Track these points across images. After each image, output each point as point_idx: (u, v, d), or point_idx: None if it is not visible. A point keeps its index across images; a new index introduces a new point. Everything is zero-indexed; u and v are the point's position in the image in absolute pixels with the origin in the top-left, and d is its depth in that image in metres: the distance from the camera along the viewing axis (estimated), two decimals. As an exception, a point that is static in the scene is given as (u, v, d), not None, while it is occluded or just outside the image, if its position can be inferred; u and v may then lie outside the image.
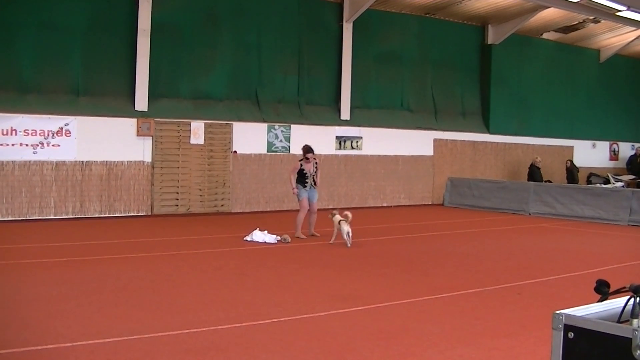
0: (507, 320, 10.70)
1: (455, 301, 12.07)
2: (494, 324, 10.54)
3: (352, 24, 28.29)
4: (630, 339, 3.38)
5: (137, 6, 23.50)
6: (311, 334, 9.57)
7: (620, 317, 3.69)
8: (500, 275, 14.73)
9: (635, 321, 3.48)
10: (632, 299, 3.60)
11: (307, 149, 19.76)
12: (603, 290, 3.98)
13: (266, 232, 18.67)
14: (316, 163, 19.79)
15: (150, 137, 23.77)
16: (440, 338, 9.57)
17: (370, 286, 13.21)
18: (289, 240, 18.42)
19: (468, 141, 32.80)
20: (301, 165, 19.53)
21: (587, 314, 3.74)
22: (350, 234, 17.98)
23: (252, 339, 9.24)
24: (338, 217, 18.52)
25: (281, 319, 10.26)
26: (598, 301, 3.96)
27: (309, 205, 19.70)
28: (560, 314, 3.65)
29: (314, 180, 19.68)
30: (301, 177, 19.52)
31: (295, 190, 19.55)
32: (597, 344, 3.49)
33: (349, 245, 17.90)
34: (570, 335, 3.59)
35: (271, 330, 9.73)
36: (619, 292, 3.85)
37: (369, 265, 15.62)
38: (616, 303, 3.85)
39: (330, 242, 18.42)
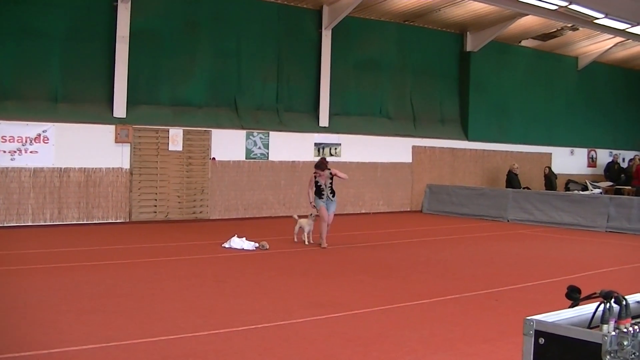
0: (485, 327, 10.73)
1: (433, 307, 12.11)
2: (472, 330, 10.57)
3: (331, 31, 28.33)
4: (600, 344, 3.41)
5: (116, 13, 23.44)
6: (289, 341, 9.58)
7: (591, 323, 3.72)
8: (479, 281, 14.77)
9: (605, 327, 3.52)
10: (602, 305, 3.64)
11: (317, 164, 19.57)
12: (574, 296, 4.02)
13: (244, 238, 18.64)
14: (331, 174, 19.38)
15: (129, 144, 23.71)
16: (419, 344, 9.59)
17: (348, 293, 13.22)
18: (267, 246, 18.39)
19: (447, 148, 32.87)
20: (315, 177, 19.33)
21: (558, 320, 3.78)
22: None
23: (230, 346, 9.24)
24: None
25: (259, 326, 10.26)
26: (569, 307, 4.00)
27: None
28: (531, 320, 3.69)
29: (331, 191, 19.37)
30: (318, 190, 19.34)
31: (313, 203, 19.37)
32: (568, 349, 3.52)
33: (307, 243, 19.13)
34: (541, 341, 3.63)
35: (249, 337, 9.73)
36: (589, 298, 3.88)
37: (347, 272, 15.64)
38: (587, 309, 3.89)
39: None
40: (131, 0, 23.45)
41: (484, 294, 13.43)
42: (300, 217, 20.01)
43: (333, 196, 19.33)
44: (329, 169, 19.40)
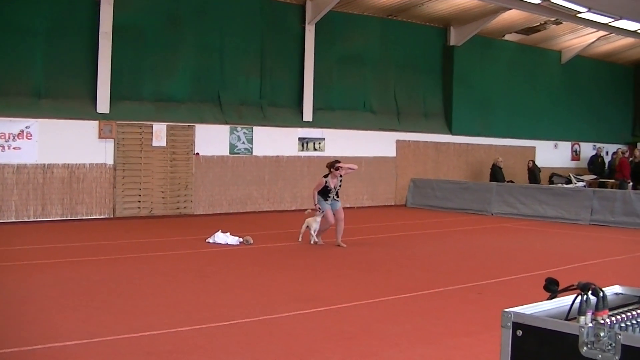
0: (468, 320, 10.75)
1: (417, 301, 12.12)
2: (455, 323, 10.59)
3: (314, 26, 28.32)
4: (577, 335, 3.43)
5: (99, 8, 23.38)
6: (273, 336, 9.58)
7: (569, 315, 3.74)
8: (462, 275, 14.79)
9: (582, 318, 3.54)
10: (580, 297, 3.66)
11: (332, 164, 19.03)
12: (552, 289, 4.04)
13: (228, 234, 18.61)
14: (341, 176, 18.98)
15: (112, 140, 23.67)
16: (402, 338, 9.60)
17: (332, 287, 13.23)
18: (251, 241, 18.38)
19: (431, 142, 32.91)
20: (326, 182, 18.75)
21: (536, 312, 3.79)
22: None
23: (214, 341, 9.23)
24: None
25: (243, 321, 10.26)
26: (547, 299, 4.01)
27: (335, 213, 18.82)
28: (509, 312, 3.70)
29: (337, 194, 18.98)
30: (324, 193, 18.80)
31: (318, 206, 18.76)
32: (545, 341, 3.54)
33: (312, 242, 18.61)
34: (519, 332, 3.64)
35: (233, 332, 9.72)
36: (567, 290, 3.90)
37: (331, 267, 15.65)
38: (566, 301, 3.91)
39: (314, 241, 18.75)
40: (114, -5, 23.47)
41: (467, 287, 13.44)
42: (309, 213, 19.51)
43: (337, 197, 19.00)
44: (340, 169, 18.87)
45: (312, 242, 18.69)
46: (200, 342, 9.17)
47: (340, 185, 18.94)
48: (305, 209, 19.65)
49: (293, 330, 9.88)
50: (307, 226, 18.84)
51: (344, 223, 18.87)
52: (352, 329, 10.03)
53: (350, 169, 19.33)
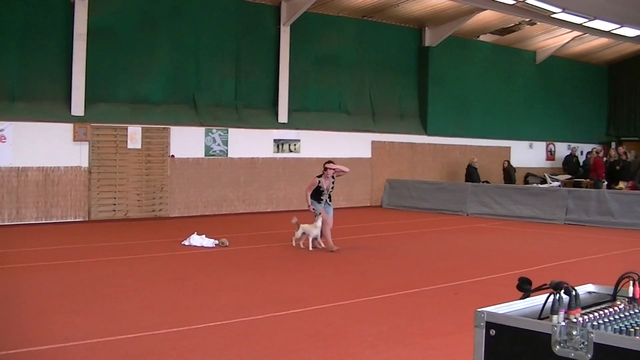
0: (444, 320, 10.78)
1: (393, 302, 12.14)
2: (431, 323, 10.62)
3: (289, 27, 28.31)
4: (550, 334, 3.44)
5: (74, 10, 23.28)
6: (249, 338, 9.57)
7: (541, 314, 3.76)
8: (438, 275, 14.83)
9: (555, 317, 3.56)
10: (552, 296, 3.67)
11: (327, 163, 18.88)
12: (525, 288, 4.05)
13: (204, 236, 18.58)
14: (333, 177, 18.67)
15: (87, 142, 23.58)
16: (378, 339, 9.61)
17: (308, 288, 13.25)
18: (227, 243, 18.35)
19: (406, 143, 32.97)
20: (319, 182, 18.44)
21: (509, 312, 3.81)
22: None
23: (190, 344, 9.21)
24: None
25: (219, 323, 10.25)
26: (520, 298, 4.03)
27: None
28: (482, 312, 3.71)
29: (329, 197, 18.68)
30: (317, 194, 18.47)
31: (312, 207, 18.45)
32: (518, 340, 3.56)
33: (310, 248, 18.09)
34: (492, 332, 3.66)
35: (209, 334, 9.71)
36: (540, 289, 3.92)
37: (307, 268, 15.68)
38: (539, 300, 3.93)
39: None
40: (88, -3, 23.38)
41: (443, 287, 13.48)
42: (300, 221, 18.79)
43: (330, 200, 18.74)
44: (329, 170, 18.59)
45: (311, 248, 18.11)
46: (176, 345, 9.15)
47: (332, 188, 18.68)
48: (294, 218, 18.80)
49: (269, 332, 9.88)
50: (304, 232, 18.26)
51: (330, 227, 18.56)
52: (328, 330, 10.04)
53: (342, 170, 19.00)
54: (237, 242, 18.94)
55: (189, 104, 26.31)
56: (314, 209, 18.30)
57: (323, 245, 18.24)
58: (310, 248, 18.04)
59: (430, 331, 10.16)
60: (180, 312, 10.91)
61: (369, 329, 10.12)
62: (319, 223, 17.97)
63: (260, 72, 28.22)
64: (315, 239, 18.16)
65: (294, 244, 18.48)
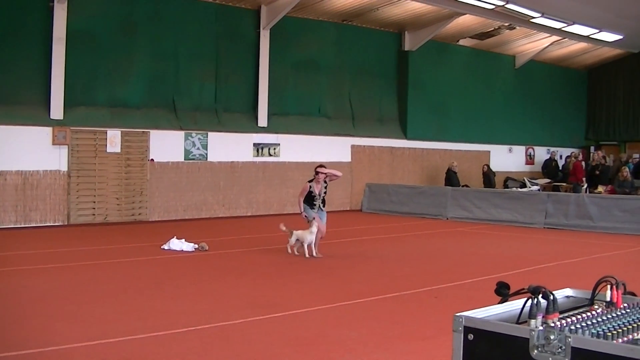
0: (424, 324, 10.80)
1: (373, 306, 12.15)
2: (411, 327, 10.63)
3: (269, 31, 28.30)
4: (528, 339, 3.45)
5: (52, 13, 23.19)
6: (228, 342, 9.55)
7: (519, 318, 3.77)
8: (418, 279, 14.86)
9: (533, 321, 3.56)
10: (530, 300, 3.68)
11: (319, 167, 18.54)
12: (503, 292, 4.06)
13: (184, 240, 18.54)
14: (325, 182, 18.31)
15: (67, 146, 23.48)
16: (358, 343, 9.61)
17: (288, 293, 13.23)
18: (207, 248, 18.31)
19: (386, 147, 33.02)
20: (310, 187, 18.16)
21: (487, 316, 3.81)
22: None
23: (169, 348, 9.19)
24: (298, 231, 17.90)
25: (198, 327, 10.21)
26: (499, 303, 4.04)
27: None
28: (460, 316, 3.72)
29: (323, 201, 18.34)
30: (309, 200, 18.18)
31: (304, 213, 18.21)
32: (496, 345, 3.56)
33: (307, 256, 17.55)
34: (470, 337, 3.66)
35: (188, 338, 9.68)
36: (518, 294, 3.93)
37: (286, 272, 15.66)
38: (517, 305, 3.93)
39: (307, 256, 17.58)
40: (67, 0, 23.22)
41: (423, 291, 13.50)
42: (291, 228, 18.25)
43: (324, 206, 18.44)
44: (320, 174, 18.22)
45: (307, 255, 17.54)
46: (155, 349, 9.12)
47: (325, 192, 18.34)
48: (281, 225, 18.19)
49: (249, 337, 9.86)
50: (298, 239, 17.73)
51: (323, 237, 18.34)
52: (308, 335, 10.03)
53: (334, 175, 18.74)
54: (217, 247, 18.91)
55: (168, 107, 26.26)
56: (306, 215, 18.03)
57: (315, 251, 17.76)
58: (307, 255, 17.51)
59: (410, 335, 10.16)
60: (160, 317, 10.88)
61: (348, 333, 10.11)
62: (314, 229, 17.55)
63: (239, 76, 28.21)
64: (309, 245, 17.62)
65: (289, 250, 17.89)
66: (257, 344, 9.53)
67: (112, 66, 24.93)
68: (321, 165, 18.80)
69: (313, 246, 17.72)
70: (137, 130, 25.10)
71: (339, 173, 19.18)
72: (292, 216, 27.75)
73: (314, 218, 17.79)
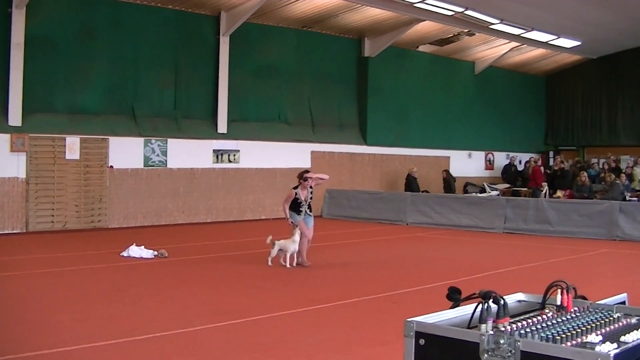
0: (383, 329, 10.81)
1: (332, 312, 12.18)
2: (369, 333, 10.66)
3: (229, 37, 28.27)
4: (478, 343, 3.49)
5: (11, 19, 23.01)
6: (188, 349, 9.54)
7: (470, 323, 3.81)
8: (378, 285, 14.88)
9: (483, 326, 3.61)
10: (481, 305, 3.72)
11: (302, 175, 18.09)
12: (454, 297, 4.11)
13: (143, 247, 18.47)
14: (311, 187, 17.90)
15: (25, 153, 23.31)
16: (317, 349, 9.64)
17: (247, 299, 13.22)
18: (166, 254, 18.26)
19: (346, 153, 33.07)
20: (296, 194, 17.80)
21: (439, 321, 3.85)
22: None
23: (128, 356, 9.16)
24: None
25: (158, 334, 10.18)
26: (450, 308, 4.08)
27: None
28: (411, 322, 3.76)
29: (309, 207, 17.99)
30: (295, 206, 17.80)
31: (291, 220, 17.75)
32: (447, 349, 3.60)
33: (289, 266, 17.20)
34: (422, 342, 3.70)
35: (147, 346, 9.66)
36: (470, 299, 3.97)
37: (246, 279, 15.64)
38: (469, 309, 3.97)
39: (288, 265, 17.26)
40: (26, 6, 23.05)
41: (382, 296, 13.53)
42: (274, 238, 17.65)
43: (310, 211, 18.12)
44: (309, 180, 17.86)
45: (289, 265, 17.21)
46: (114, 357, 9.10)
47: (311, 198, 18.03)
48: (268, 237, 17.45)
49: (209, 343, 9.86)
50: (281, 249, 17.30)
51: (310, 244, 18.12)
52: (267, 341, 10.04)
53: (321, 179, 18.60)
54: (176, 253, 18.86)
55: (127, 114, 26.14)
56: (292, 221, 17.68)
57: (303, 259, 17.55)
58: (289, 265, 17.18)
59: (368, 340, 10.20)
60: (119, 324, 10.84)
61: (308, 339, 10.14)
62: (296, 237, 17.15)
63: (199, 82, 28.17)
64: (292, 254, 17.25)
65: (269, 263, 17.33)
66: (217, 350, 9.54)
67: (71, 72, 24.77)
68: (306, 171, 18.51)
69: (295, 255, 17.41)
70: (96, 137, 24.96)
71: (325, 176, 19.07)
72: (252, 222, 27.76)
73: (297, 225, 17.46)
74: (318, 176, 18.52)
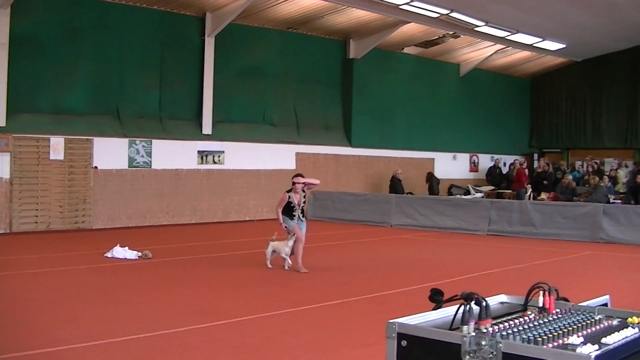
0: (367, 331, 10.81)
1: (317, 313, 12.20)
2: (354, 334, 10.68)
3: (214, 38, 28.22)
4: (460, 345, 3.51)
5: (-5, 19, 23.00)
6: (172, 350, 9.54)
7: (452, 324, 3.82)
8: (362, 286, 14.90)
9: (465, 328, 3.62)
10: (463, 307, 3.74)
11: (296, 176, 18.20)
12: (437, 299, 4.12)
13: (127, 248, 18.43)
14: (304, 191, 17.83)
15: (9, 153, 23.21)
16: (302, 350, 9.65)
17: (232, 300, 13.23)
18: (150, 255, 18.22)
19: (330, 154, 33.07)
20: (289, 198, 17.59)
21: (421, 322, 3.87)
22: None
23: (112, 356, 9.16)
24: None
25: (142, 335, 10.17)
26: (433, 309, 4.09)
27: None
28: (394, 323, 3.77)
29: (302, 211, 17.80)
30: (288, 210, 17.59)
31: (284, 225, 17.49)
32: (429, 350, 3.62)
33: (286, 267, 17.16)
34: (404, 343, 3.71)
35: (131, 346, 9.65)
36: (452, 300, 3.99)
37: (231, 280, 15.65)
38: (452, 311, 3.99)
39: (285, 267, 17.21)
40: (10, 6, 22.97)
41: (367, 298, 13.57)
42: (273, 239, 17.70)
43: (303, 216, 17.89)
44: (296, 185, 17.70)
45: (286, 267, 17.19)
46: (99, 358, 9.09)
47: (304, 202, 17.88)
48: (272, 236, 17.58)
49: (193, 344, 9.85)
50: (274, 250, 17.31)
51: (303, 245, 17.68)
52: (252, 342, 10.05)
53: (312, 183, 18.55)
54: (161, 254, 18.82)
55: (112, 114, 26.08)
56: (286, 226, 17.45)
57: (290, 263, 17.33)
58: (286, 267, 17.15)
59: (353, 342, 10.22)
60: (103, 325, 10.82)
61: (292, 340, 10.15)
62: (291, 242, 17.10)
63: (184, 83, 28.11)
64: (284, 257, 17.18)
65: (269, 265, 17.29)
66: (201, 351, 9.53)
67: (55, 72, 24.68)
68: (298, 175, 18.41)
69: (289, 258, 17.27)
70: (80, 138, 24.88)
71: (316, 181, 18.95)
72: (236, 224, 27.74)
73: (292, 232, 17.24)
74: (307, 181, 18.25)
